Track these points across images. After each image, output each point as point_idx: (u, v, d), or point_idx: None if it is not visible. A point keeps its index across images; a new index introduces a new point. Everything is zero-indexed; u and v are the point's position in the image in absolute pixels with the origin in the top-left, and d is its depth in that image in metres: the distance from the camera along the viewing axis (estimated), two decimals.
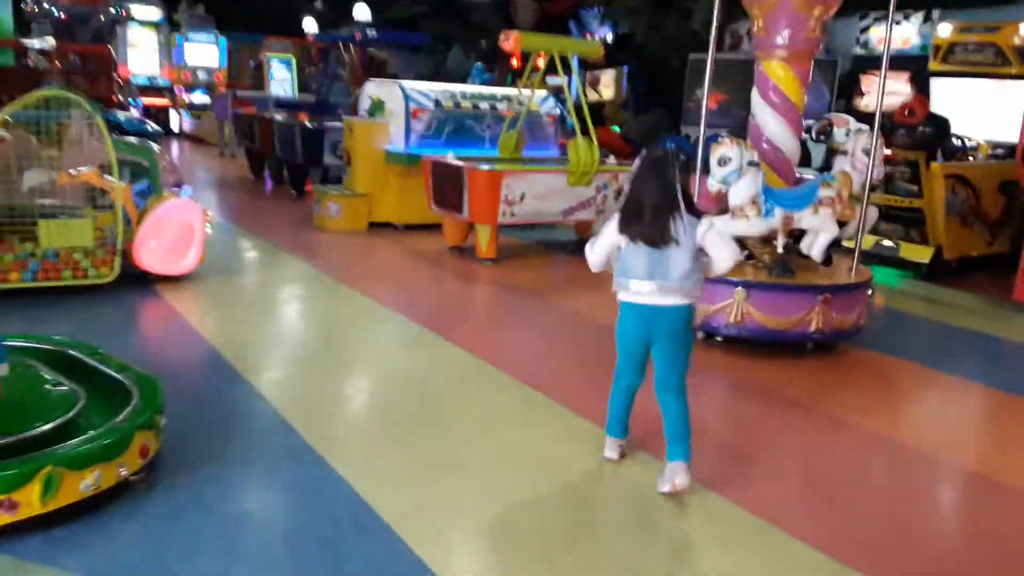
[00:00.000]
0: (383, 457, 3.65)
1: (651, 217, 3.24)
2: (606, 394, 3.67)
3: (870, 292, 5.56)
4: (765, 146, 5.68)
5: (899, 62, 10.96)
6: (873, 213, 5.81)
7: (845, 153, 5.70)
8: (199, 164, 15.85)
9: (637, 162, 3.38)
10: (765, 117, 5.72)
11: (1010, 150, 8.37)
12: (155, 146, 7.19)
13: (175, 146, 18.73)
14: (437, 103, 9.10)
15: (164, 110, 20.24)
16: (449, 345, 5.21)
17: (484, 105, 9.45)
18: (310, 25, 22.67)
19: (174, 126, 20.36)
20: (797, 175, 5.86)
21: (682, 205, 3.25)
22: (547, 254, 8.53)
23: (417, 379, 4.64)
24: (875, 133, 5.45)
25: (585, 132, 7.84)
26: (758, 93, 5.78)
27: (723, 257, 3.36)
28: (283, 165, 11.80)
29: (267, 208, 10.68)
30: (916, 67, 10.66)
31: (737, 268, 5.41)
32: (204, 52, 20.62)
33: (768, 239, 5.55)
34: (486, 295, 6.84)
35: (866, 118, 10.65)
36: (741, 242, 5.45)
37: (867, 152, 5.49)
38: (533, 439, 3.91)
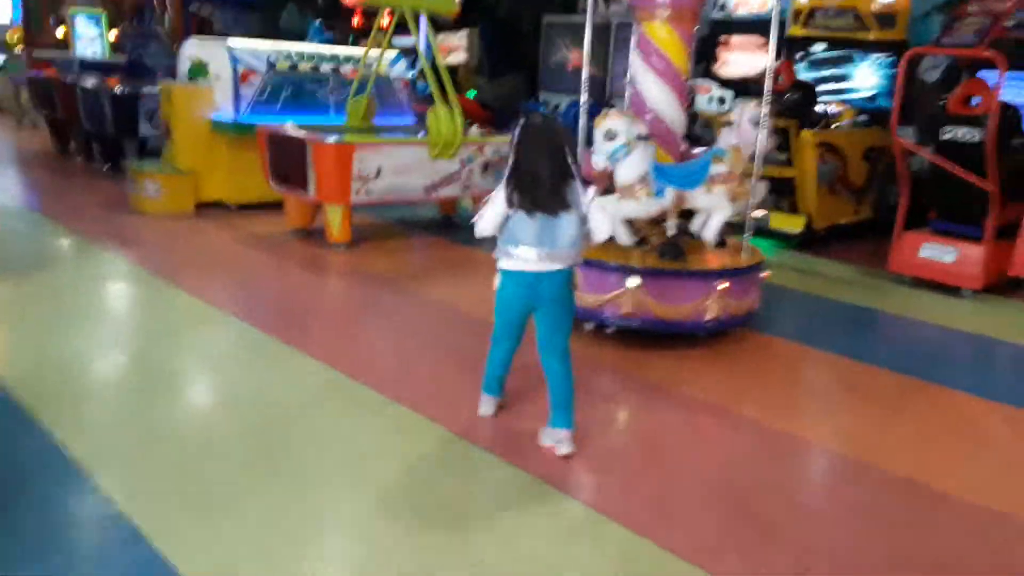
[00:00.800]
0: (227, 525, 2.77)
1: (548, 186, 3.22)
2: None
3: (764, 274, 5.16)
4: (648, 117, 5.11)
5: (758, 26, 10.84)
6: (762, 188, 5.39)
7: (729, 124, 5.21)
8: None
9: (518, 130, 3.29)
10: (648, 85, 5.14)
11: (873, 115, 8.32)
12: None
13: None
14: (270, 64, 7.96)
15: None
16: (296, 354, 4.32)
17: (326, 67, 8.39)
18: None
19: None
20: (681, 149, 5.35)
21: (574, 171, 3.29)
22: (408, 235, 7.68)
23: (258, 403, 3.74)
24: (764, 102, 4.99)
25: (445, 99, 7.02)
26: (640, 58, 5.18)
27: (601, 228, 3.42)
28: (91, 137, 10.17)
29: (74, 188, 9.13)
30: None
31: (625, 253, 4.88)
32: None
33: (657, 221, 5.01)
34: (339, 288, 5.93)
35: (727, 85, 10.50)
36: (631, 224, 4.88)
37: (755, 123, 5.04)
38: (413, 476, 3.16)
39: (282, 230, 7.23)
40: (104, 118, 9.29)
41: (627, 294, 4.66)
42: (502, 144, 7.44)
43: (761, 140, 4.98)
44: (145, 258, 6.05)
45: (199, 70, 8.02)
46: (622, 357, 4.65)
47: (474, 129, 7.78)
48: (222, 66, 7.80)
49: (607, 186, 5.13)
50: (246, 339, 4.57)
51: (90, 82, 9.75)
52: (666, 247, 4.84)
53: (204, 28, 18.74)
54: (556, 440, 3.45)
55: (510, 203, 3.25)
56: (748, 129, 5.05)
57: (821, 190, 7.85)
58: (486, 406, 3.75)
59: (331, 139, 6.43)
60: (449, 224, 8.07)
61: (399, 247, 7.10)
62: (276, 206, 7.42)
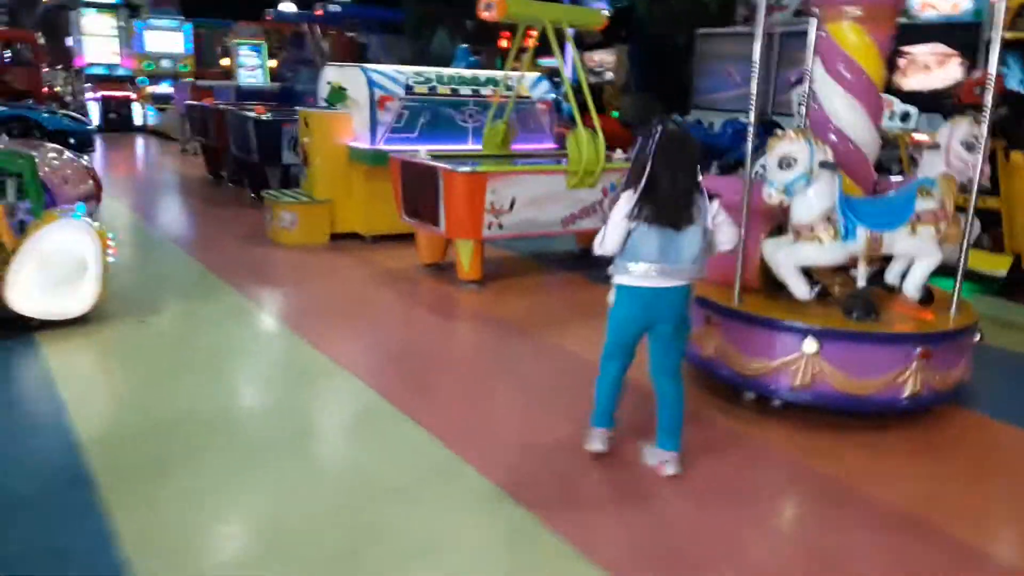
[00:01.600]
0: None
1: (675, 199, 3.16)
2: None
3: (978, 338, 4.14)
4: (833, 138, 4.26)
5: (944, 31, 9.51)
6: (977, 226, 4.38)
7: (935, 147, 4.23)
8: (156, 163, 14.36)
9: (656, 138, 3.16)
10: (833, 99, 4.30)
11: None
12: (35, 152, 5.71)
13: (139, 142, 17.21)
14: (408, 89, 7.61)
15: (126, 103, 18.66)
16: (409, 424, 3.78)
17: (465, 90, 7.96)
18: (288, 7, 21.05)
19: (137, 120, 18.79)
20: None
21: (702, 185, 3.23)
22: (543, 271, 7.07)
23: (355, 486, 3.21)
24: (987, 120, 3.99)
25: (587, 121, 6.38)
26: (822, 67, 4.33)
27: (728, 240, 3.35)
28: (240, 164, 10.30)
29: (219, 217, 9.21)
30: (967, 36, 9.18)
31: (801, 309, 4.03)
32: (167, 38, 18.98)
33: (842, 268, 4.13)
34: (465, 337, 5.37)
35: (909, 99, 9.25)
36: (808, 273, 4.02)
37: (969, 146, 4.05)
38: None
39: (415, 264, 6.82)
40: (249, 145, 9.32)
41: (802, 361, 3.80)
42: None
43: (976, 166, 4.00)
44: (271, 298, 5.77)
45: (338, 96, 7.80)
46: (791, 441, 3.79)
47: (618, 153, 7.09)
48: (360, 91, 7.54)
49: (778, 224, 4.31)
50: (360, 403, 4.07)
51: (239, 109, 9.87)
52: (854, 302, 3.94)
53: (359, 55, 19.19)
54: (662, 460, 3.39)
55: (635, 216, 3.15)
56: (960, 153, 4.07)
57: None
58: (596, 442, 3.47)
59: (463, 168, 5.93)
60: (587, 259, 7.38)
61: (532, 286, 6.49)
62: (411, 237, 7.01)
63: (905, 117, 8.56)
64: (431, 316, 5.60)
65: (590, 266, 7.09)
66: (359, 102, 7.56)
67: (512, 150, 7.38)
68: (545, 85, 8.48)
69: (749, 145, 4.06)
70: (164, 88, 18.08)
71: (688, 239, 3.18)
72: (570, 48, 7.51)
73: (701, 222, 3.19)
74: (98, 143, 16.21)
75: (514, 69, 7.61)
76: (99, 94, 18.31)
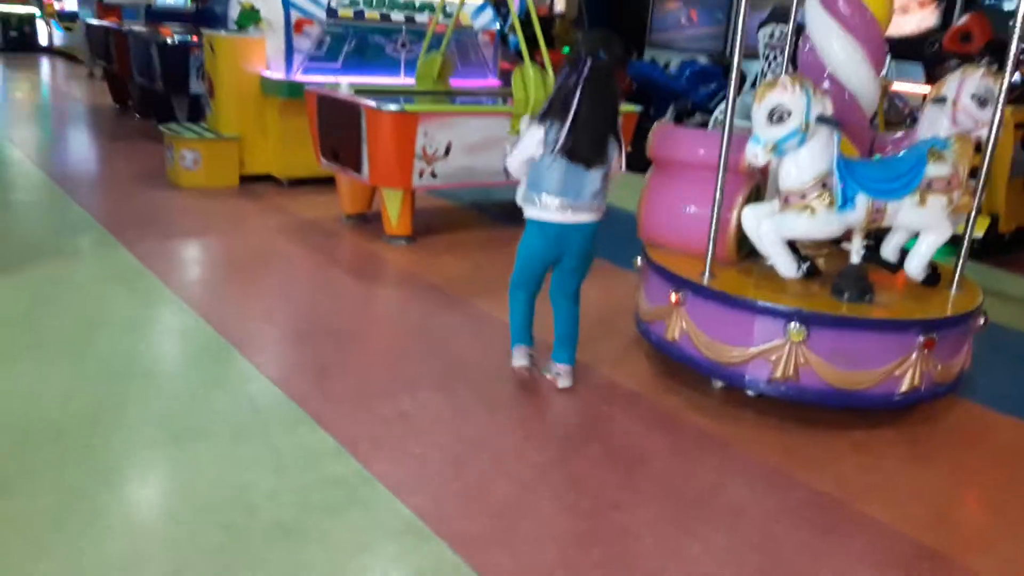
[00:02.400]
0: None
1: (592, 136, 3.13)
2: None
3: (982, 321, 3.57)
4: (827, 87, 3.57)
5: None
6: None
7: (939, 101, 3.57)
8: (55, 89, 12.95)
9: (585, 71, 3.09)
10: (829, 42, 3.60)
11: None
12: None
13: (42, 64, 15.61)
14: (331, 12, 6.64)
15: (29, 19, 16.90)
16: (309, 427, 3.05)
17: (397, 16, 7.01)
18: None
19: (42, 39, 17.07)
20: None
21: (619, 127, 3.22)
22: (483, 225, 6.31)
23: (236, 519, 2.48)
24: (1008, 67, 3.35)
25: (536, 57, 5.57)
26: (820, 4, 3.62)
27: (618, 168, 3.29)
28: (145, 93, 9.15)
29: (117, 153, 8.13)
30: None
31: (784, 288, 3.39)
32: None
33: (832, 240, 3.49)
34: (387, 307, 4.59)
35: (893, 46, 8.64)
36: (793, 247, 3.37)
37: (982, 101, 3.41)
38: None
39: (336, 214, 5.99)
40: (153, 72, 8.22)
41: (785, 349, 3.18)
42: None
43: (992, 125, 3.38)
44: (159, 257, 4.87)
45: (249, 17, 6.78)
46: (769, 443, 3.19)
47: None
48: (274, 13, 6.55)
49: (756, 184, 3.64)
50: (251, 395, 3.32)
51: (141, 30, 8.71)
52: (847, 281, 3.31)
53: None
54: (556, 373, 3.49)
55: (554, 148, 3.11)
56: (970, 108, 3.43)
57: (1015, 183, 6.08)
58: (519, 357, 3.49)
59: (390, 106, 5.08)
60: None
61: (470, 243, 5.73)
62: (332, 183, 6.14)
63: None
64: (349, 280, 4.80)
65: None
66: (273, 25, 6.58)
67: (450, 86, 6.52)
68: (489, 14, 7.58)
69: (732, 93, 3.33)
70: (73, 4, 16.37)
71: (591, 177, 3.17)
72: None
73: (607, 164, 3.20)
74: None
75: None
76: None
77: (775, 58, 7.71)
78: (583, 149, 3.10)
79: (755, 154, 3.10)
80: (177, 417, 3.06)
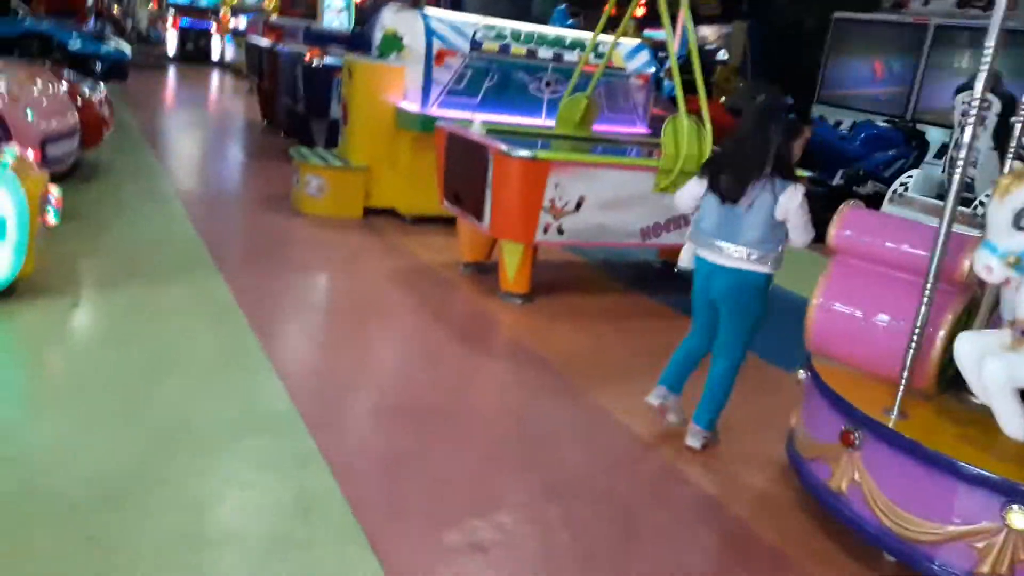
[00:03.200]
0: None
1: (734, 170, 3.07)
2: None
3: None
4: None
5: None
6: None
7: None
8: (215, 101, 13.40)
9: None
10: None
11: None
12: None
13: (212, 77, 16.34)
14: (475, 44, 6.21)
15: (205, 34, 17.81)
16: (369, 553, 2.46)
17: (545, 52, 6.51)
18: None
19: (215, 54, 17.94)
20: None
21: (770, 165, 3.01)
22: (611, 289, 5.62)
23: None
24: None
25: (692, 106, 4.88)
26: None
27: (801, 239, 3.10)
28: (290, 113, 9.11)
29: (252, 170, 8.06)
30: None
31: (1006, 452, 2.51)
32: None
33: None
34: (488, 384, 3.95)
35: None
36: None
37: None
38: None
39: (454, 260, 5.48)
40: (296, 92, 8.12)
41: (999, 537, 2.31)
42: None
43: None
44: (256, 292, 4.49)
45: (391, 44, 6.50)
46: None
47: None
48: (416, 41, 6.19)
49: (972, 299, 2.79)
50: (308, 492, 2.78)
51: (291, 50, 8.67)
52: None
53: (454, 8, 17.79)
54: (690, 431, 3.32)
55: (699, 175, 3.25)
56: None
57: None
58: (653, 396, 3.41)
59: (520, 152, 4.52)
60: (672, 279, 5.92)
61: (594, 310, 5.06)
62: (455, 224, 5.66)
63: None
64: (452, 345, 4.21)
65: (675, 290, 5.62)
66: (414, 53, 6.22)
67: (592, 132, 5.93)
68: (645, 55, 6.96)
69: (959, 176, 2.51)
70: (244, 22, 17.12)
71: (749, 220, 3.04)
72: (683, 16, 5.97)
73: (766, 206, 3.01)
74: (171, 72, 15.46)
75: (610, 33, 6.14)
76: (178, 23, 17.50)
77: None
78: (722, 181, 3.09)
79: (988, 267, 2.29)
80: (210, 506, 2.55)
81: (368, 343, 4.12)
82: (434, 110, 6.10)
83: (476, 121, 5.13)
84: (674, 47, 5.08)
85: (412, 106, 6.18)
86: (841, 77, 10.86)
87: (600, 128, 6.20)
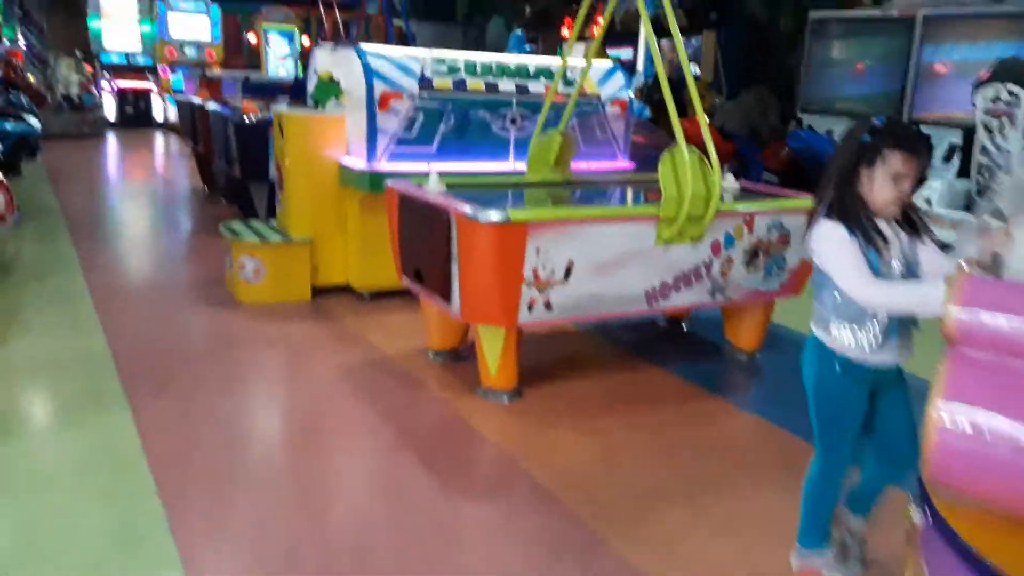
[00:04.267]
0: None
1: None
2: None
3: None
4: None
5: None
6: None
7: None
8: (150, 167, 12.43)
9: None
10: None
11: None
12: None
13: (153, 140, 15.36)
14: (424, 82, 5.31)
15: (144, 95, 16.86)
16: None
17: (506, 85, 5.62)
18: None
19: (157, 115, 16.98)
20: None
21: (827, 198, 2.31)
22: (614, 363, 4.67)
23: None
24: None
25: (688, 133, 3.98)
26: None
27: (848, 287, 2.26)
28: (228, 178, 8.15)
29: (188, 251, 7.09)
30: None
31: None
32: (192, 23, 17.08)
33: None
34: (474, 554, 2.97)
35: None
36: None
37: None
38: None
39: (423, 345, 4.53)
40: (231, 153, 7.18)
41: None
42: (786, 211, 4.32)
43: None
44: (165, 432, 3.50)
45: (327, 90, 5.58)
46: None
47: (730, 181, 4.68)
48: (355, 84, 5.29)
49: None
50: None
51: (221, 108, 7.74)
52: None
53: (402, 45, 17.01)
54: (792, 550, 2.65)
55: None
56: None
57: None
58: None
59: (490, 215, 3.59)
60: (680, 338, 5.02)
61: (597, 396, 4.12)
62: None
63: None
64: (423, 476, 3.22)
65: (690, 356, 4.71)
66: (355, 99, 5.31)
67: (570, 174, 5.03)
68: (620, 78, 6.09)
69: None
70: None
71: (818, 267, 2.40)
72: (644, 31, 5.10)
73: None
74: (109, 140, 14.51)
75: (577, 56, 5.27)
76: (115, 85, 16.55)
77: (1001, 128, 5.82)
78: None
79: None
80: None
81: (313, 498, 3.10)
82: (383, 164, 5.18)
83: (432, 175, 4.20)
84: (663, 66, 4.19)
85: (357, 162, 5.25)
86: (825, 81, 10.08)
87: (577, 167, 5.31)
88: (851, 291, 2.29)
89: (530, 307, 3.74)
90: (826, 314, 2.40)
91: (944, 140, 8.02)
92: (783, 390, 4.23)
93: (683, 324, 5.19)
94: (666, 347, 4.87)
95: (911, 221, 2.34)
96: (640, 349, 4.81)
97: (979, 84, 5.91)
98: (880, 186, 2.25)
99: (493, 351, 3.85)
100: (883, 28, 9.32)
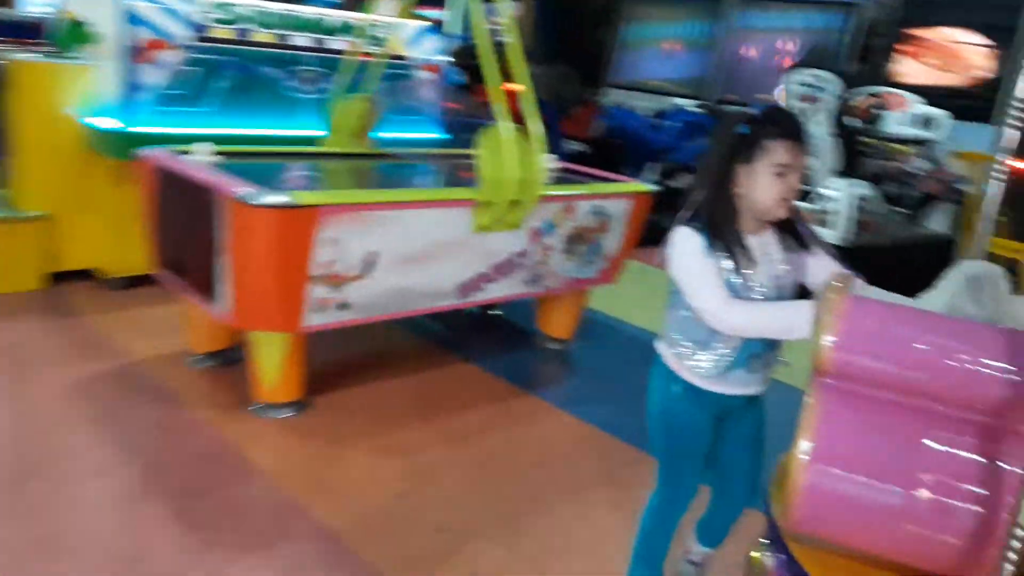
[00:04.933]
0: None
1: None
2: None
3: None
4: None
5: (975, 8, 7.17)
6: None
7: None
8: None
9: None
10: None
11: None
12: None
13: None
14: (200, 30, 4.42)
15: None
16: None
17: (301, 39, 4.83)
18: None
19: None
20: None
21: (698, 201, 1.93)
22: (420, 360, 4.10)
23: None
24: None
25: (516, 116, 3.47)
26: None
27: (700, 305, 1.89)
28: None
29: None
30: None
31: None
32: None
33: None
34: None
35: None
36: None
37: None
38: None
39: (185, 347, 3.72)
40: None
41: None
42: (608, 195, 3.97)
43: None
44: None
45: (75, 35, 4.51)
46: None
47: (550, 162, 4.24)
48: (110, 28, 4.30)
49: None
50: None
51: None
52: None
53: None
54: None
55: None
56: None
57: None
58: None
59: (269, 198, 2.88)
60: (491, 326, 4.57)
61: (399, 402, 3.55)
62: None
63: (927, 123, 6.17)
64: (171, 530, 2.50)
65: (505, 348, 4.27)
66: (110, 48, 4.32)
67: (376, 144, 4.38)
68: (434, 41, 5.49)
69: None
70: None
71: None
72: None
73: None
74: None
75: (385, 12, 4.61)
76: None
77: (812, 114, 5.85)
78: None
79: None
80: None
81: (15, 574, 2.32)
82: (142, 127, 4.26)
83: (197, 147, 3.40)
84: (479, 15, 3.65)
85: (110, 122, 4.28)
86: (636, 57, 10.02)
87: (384, 137, 4.67)
88: (704, 310, 1.91)
89: (320, 308, 3.09)
90: (673, 332, 2.04)
91: None
92: (601, 385, 3.94)
93: (497, 310, 4.74)
94: (476, 337, 4.39)
95: (795, 231, 1.99)
96: (448, 341, 4.29)
97: (788, 70, 5.91)
98: (765, 183, 1.89)
99: (271, 361, 3.17)
100: (693, 7, 9.34)
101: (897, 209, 6.15)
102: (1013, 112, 1.95)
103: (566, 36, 11.64)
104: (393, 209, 3.17)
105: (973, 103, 6.46)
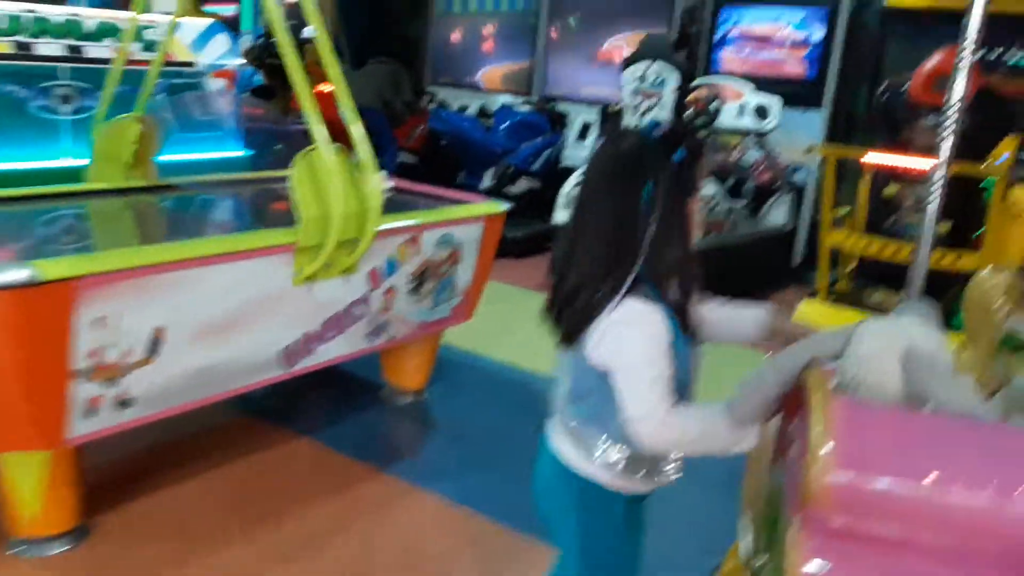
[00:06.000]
0: None
1: (569, 282, 1.47)
2: None
3: None
4: None
5: None
6: None
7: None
8: None
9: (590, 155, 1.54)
10: None
11: None
12: None
13: None
14: None
15: None
16: None
17: (54, 47, 3.86)
18: None
19: None
20: None
21: (635, 268, 1.40)
22: (235, 440, 3.32)
23: None
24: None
25: (335, 127, 2.78)
26: None
27: (636, 413, 1.39)
28: None
29: None
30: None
31: None
32: None
33: None
34: None
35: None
36: None
37: None
38: None
39: None
40: None
41: None
42: (457, 221, 3.41)
43: None
44: None
45: None
46: None
47: (382, 183, 3.58)
48: None
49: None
50: None
51: None
52: None
53: None
54: None
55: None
56: None
57: None
58: None
59: (4, 275, 2.04)
60: (328, 383, 3.84)
61: (209, 508, 2.79)
62: None
63: (762, 113, 6.10)
64: None
65: (341, 403, 3.58)
66: None
67: (156, 175, 3.54)
68: (224, 41, 4.65)
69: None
70: None
71: (572, 362, 1.52)
72: None
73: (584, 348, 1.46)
74: None
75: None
76: None
77: (649, 109, 5.56)
78: (553, 307, 1.53)
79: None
80: None
81: None
82: None
83: None
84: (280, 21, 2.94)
85: None
86: (456, 50, 9.47)
87: (170, 160, 3.82)
88: (637, 419, 1.39)
89: (91, 411, 2.29)
90: (591, 425, 1.53)
91: (580, 119, 7.85)
92: (465, 446, 3.35)
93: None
94: (310, 400, 3.65)
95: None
96: (273, 411, 3.51)
97: (627, 62, 5.58)
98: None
99: (28, 487, 2.33)
100: None
101: (738, 205, 6.03)
102: None
103: (376, 31, 10.88)
104: (183, 269, 2.41)
105: (801, 89, 6.46)
